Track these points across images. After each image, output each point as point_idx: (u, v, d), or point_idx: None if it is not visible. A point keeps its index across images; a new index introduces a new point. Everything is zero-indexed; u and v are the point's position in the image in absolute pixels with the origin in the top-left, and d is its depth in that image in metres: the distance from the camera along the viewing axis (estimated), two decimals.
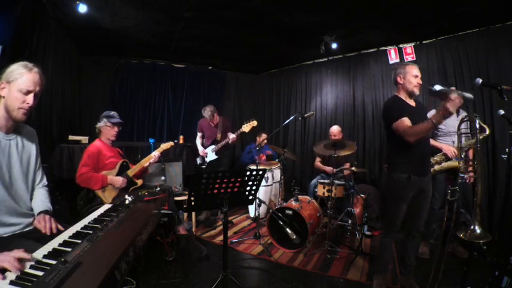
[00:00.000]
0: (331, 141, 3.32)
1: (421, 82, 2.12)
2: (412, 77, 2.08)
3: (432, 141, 2.71)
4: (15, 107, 1.33)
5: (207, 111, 3.91)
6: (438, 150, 2.78)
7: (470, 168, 2.82)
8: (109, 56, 5.11)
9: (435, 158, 2.73)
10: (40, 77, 1.39)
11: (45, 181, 1.61)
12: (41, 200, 1.52)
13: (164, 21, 3.72)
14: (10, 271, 0.91)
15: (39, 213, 1.44)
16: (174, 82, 5.64)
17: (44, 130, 3.50)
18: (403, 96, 2.13)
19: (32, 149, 1.52)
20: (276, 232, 3.16)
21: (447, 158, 2.71)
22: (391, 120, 2.03)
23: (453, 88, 1.82)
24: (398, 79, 2.13)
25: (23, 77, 1.33)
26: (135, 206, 1.75)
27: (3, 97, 1.34)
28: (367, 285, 2.31)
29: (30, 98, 1.35)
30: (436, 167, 2.72)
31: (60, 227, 1.35)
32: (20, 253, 0.97)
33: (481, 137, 2.60)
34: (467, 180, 2.77)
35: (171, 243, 2.67)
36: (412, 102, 2.14)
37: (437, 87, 1.87)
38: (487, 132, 2.61)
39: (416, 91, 2.11)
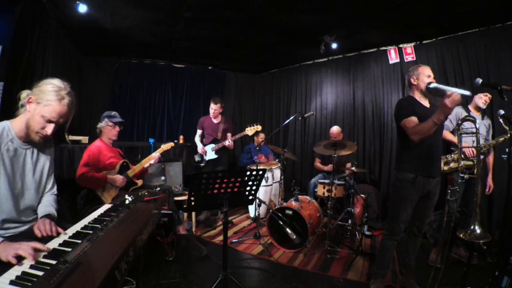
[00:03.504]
0: (331, 141, 3.32)
1: (434, 82, 2.13)
2: (426, 77, 2.10)
3: (452, 137, 2.73)
4: (34, 129, 1.35)
5: (216, 100, 3.89)
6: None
7: (490, 177, 2.82)
8: (109, 56, 5.11)
9: (452, 156, 2.67)
10: (68, 109, 1.38)
11: (55, 190, 1.61)
12: (45, 205, 1.51)
13: (164, 21, 3.71)
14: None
15: (41, 217, 1.41)
16: (174, 82, 5.63)
17: None
18: (417, 96, 2.15)
19: (46, 159, 1.52)
20: (276, 232, 3.16)
21: (465, 157, 2.59)
22: (400, 118, 2.06)
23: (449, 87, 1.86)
24: (412, 80, 2.16)
25: (50, 106, 1.33)
26: (135, 206, 1.75)
27: (29, 111, 1.35)
28: (367, 285, 2.31)
29: (50, 128, 1.36)
30: (452, 164, 2.64)
31: (60, 230, 1.32)
32: (36, 244, 1.05)
33: (501, 139, 2.57)
34: (487, 191, 2.84)
35: (171, 243, 2.68)
36: (426, 103, 2.14)
37: (433, 85, 1.97)
38: (509, 135, 2.54)
39: None
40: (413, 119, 2.00)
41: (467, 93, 1.76)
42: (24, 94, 1.39)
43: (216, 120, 3.97)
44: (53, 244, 1.16)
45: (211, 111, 3.92)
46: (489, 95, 2.87)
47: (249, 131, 3.67)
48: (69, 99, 1.38)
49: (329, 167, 3.98)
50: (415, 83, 2.15)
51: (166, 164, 3.82)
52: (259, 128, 3.68)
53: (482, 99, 2.84)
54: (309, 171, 5.13)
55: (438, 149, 2.15)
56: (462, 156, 2.54)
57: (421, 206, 2.12)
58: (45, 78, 1.41)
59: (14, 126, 1.36)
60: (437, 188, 2.15)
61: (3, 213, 1.31)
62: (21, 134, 1.37)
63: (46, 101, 1.32)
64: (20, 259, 1.01)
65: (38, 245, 1.06)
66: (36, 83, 1.39)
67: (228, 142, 3.73)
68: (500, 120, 2.24)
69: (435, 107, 2.22)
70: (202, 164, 3.91)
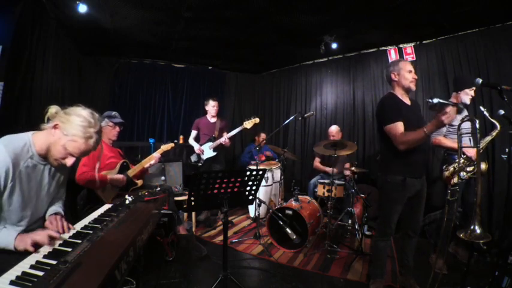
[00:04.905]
0: (331, 141, 3.32)
1: (416, 77, 2.08)
2: (407, 72, 2.04)
3: (450, 142, 2.56)
4: (54, 155, 1.32)
5: (215, 97, 3.97)
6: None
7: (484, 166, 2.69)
8: (109, 56, 5.11)
9: (460, 164, 2.37)
10: (93, 147, 1.36)
11: (63, 197, 1.62)
12: (53, 205, 1.53)
13: (164, 21, 3.71)
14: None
15: (50, 215, 1.44)
16: (174, 82, 5.64)
17: None
18: (399, 93, 2.09)
19: (62, 173, 1.52)
20: (276, 232, 3.16)
21: (470, 161, 2.40)
22: (385, 122, 1.99)
23: (450, 102, 1.80)
24: (393, 76, 2.09)
25: (76, 143, 1.30)
26: (135, 206, 1.76)
27: (53, 136, 1.30)
28: (367, 285, 2.31)
29: (70, 160, 1.33)
30: (463, 173, 2.36)
31: (70, 226, 1.37)
32: (51, 232, 1.15)
33: (494, 134, 2.45)
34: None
35: (171, 243, 2.68)
36: (407, 100, 2.10)
37: (435, 100, 1.85)
38: (498, 128, 2.41)
39: (413, 87, 2.06)
40: (399, 125, 1.92)
41: (462, 107, 1.76)
42: (52, 110, 1.34)
43: (213, 119, 4.00)
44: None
45: (212, 109, 3.93)
46: (474, 88, 2.70)
47: (247, 124, 3.67)
48: (96, 137, 1.35)
49: (330, 170, 3.98)
50: (395, 79, 2.07)
51: (166, 164, 3.82)
52: (257, 120, 3.68)
53: (468, 96, 2.68)
54: (309, 171, 5.13)
55: (425, 148, 2.15)
56: (464, 156, 2.46)
57: (412, 206, 2.11)
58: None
59: (35, 142, 1.31)
60: (424, 186, 2.13)
61: (10, 222, 1.29)
62: (41, 152, 1.32)
63: (72, 136, 1.29)
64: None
65: (53, 234, 1.14)
66: (66, 107, 1.34)
67: (224, 139, 3.73)
68: (486, 113, 2.19)
69: (415, 103, 2.18)
70: (200, 164, 3.91)
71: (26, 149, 1.28)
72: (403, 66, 2.06)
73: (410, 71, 2.05)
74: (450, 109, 1.70)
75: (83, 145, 1.31)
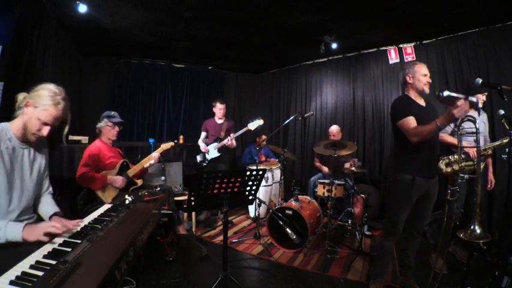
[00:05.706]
0: (331, 141, 3.32)
1: (430, 81, 2.11)
2: (421, 75, 2.07)
3: (451, 139, 2.62)
4: (31, 130, 1.41)
5: (222, 100, 3.99)
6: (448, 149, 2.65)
7: (491, 171, 2.73)
8: (109, 56, 5.11)
9: (455, 157, 2.45)
10: (63, 113, 1.46)
11: (51, 189, 1.68)
12: (48, 204, 1.59)
13: (164, 21, 3.72)
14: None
15: (51, 216, 1.49)
16: (174, 82, 5.64)
17: None
18: (412, 95, 2.12)
19: (42, 159, 1.58)
20: (276, 232, 3.16)
21: (468, 158, 2.44)
22: (396, 118, 2.03)
23: (461, 95, 1.80)
24: (408, 78, 2.12)
25: (47, 111, 1.40)
26: (135, 206, 1.76)
27: (26, 114, 1.41)
28: (367, 285, 2.31)
29: (46, 130, 1.43)
30: (455, 166, 2.44)
31: (78, 222, 1.42)
32: (65, 222, 1.27)
33: (505, 141, 2.40)
34: (489, 186, 2.74)
35: (171, 243, 2.68)
36: (422, 102, 2.12)
37: (446, 93, 1.85)
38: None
39: (427, 89, 2.09)
40: (411, 119, 1.97)
41: (474, 100, 1.77)
42: (20, 97, 1.44)
43: (220, 120, 4.01)
44: (53, 244, 1.16)
45: (219, 111, 3.94)
46: (486, 93, 2.75)
47: (252, 125, 3.67)
48: (64, 104, 1.45)
49: (326, 169, 4.01)
50: (410, 81, 2.11)
51: (166, 164, 3.81)
52: (261, 122, 3.68)
53: (480, 100, 2.71)
54: (309, 171, 5.13)
55: (436, 149, 2.14)
56: (463, 156, 2.49)
57: (420, 206, 2.10)
58: (43, 81, 1.51)
59: (12, 127, 1.42)
60: (435, 188, 2.12)
61: (1, 211, 1.31)
62: (18, 134, 1.42)
63: (43, 105, 1.39)
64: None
65: (69, 225, 1.28)
66: (33, 87, 1.45)
67: (228, 141, 3.74)
68: (503, 121, 2.20)
69: (431, 106, 2.20)
70: (205, 164, 3.92)
71: (4, 132, 1.38)
72: (418, 69, 2.09)
73: (425, 75, 2.08)
74: (462, 103, 1.69)
75: (54, 111, 1.41)
